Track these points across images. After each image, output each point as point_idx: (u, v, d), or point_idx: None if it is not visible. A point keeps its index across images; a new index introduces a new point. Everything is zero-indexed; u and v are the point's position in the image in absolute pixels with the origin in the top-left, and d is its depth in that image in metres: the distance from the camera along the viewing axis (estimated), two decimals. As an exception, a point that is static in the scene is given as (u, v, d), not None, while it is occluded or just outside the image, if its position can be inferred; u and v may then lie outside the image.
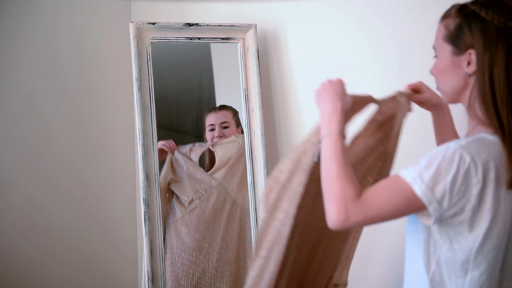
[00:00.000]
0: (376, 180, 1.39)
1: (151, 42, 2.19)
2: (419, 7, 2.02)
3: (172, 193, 2.19)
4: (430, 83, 1.39)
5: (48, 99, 2.18)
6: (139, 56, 2.16)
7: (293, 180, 1.32)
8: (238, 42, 2.26)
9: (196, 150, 2.23)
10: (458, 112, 1.40)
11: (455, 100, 1.27)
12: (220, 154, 2.21)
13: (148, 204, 2.08)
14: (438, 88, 1.29)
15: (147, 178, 2.10)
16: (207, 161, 2.27)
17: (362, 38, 2.17)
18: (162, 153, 2.17)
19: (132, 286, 2.37)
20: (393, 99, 1.42)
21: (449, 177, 1.11)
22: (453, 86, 1.24)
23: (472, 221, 1.13)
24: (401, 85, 2.08)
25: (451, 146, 1.14)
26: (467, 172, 1.11)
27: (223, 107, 2.28)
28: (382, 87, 2.14)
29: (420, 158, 1.18)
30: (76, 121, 2.26)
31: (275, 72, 2.32)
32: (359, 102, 1.36)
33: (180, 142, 2.40)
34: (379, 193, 1.16)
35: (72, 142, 2.24)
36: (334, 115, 1.29)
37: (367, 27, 2.16)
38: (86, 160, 2.28)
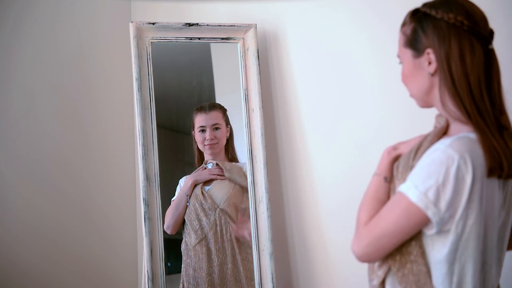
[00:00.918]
0: None
1: (151, 42, 2.19)
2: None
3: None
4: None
5: (47, 99, 2.18)
6: (139, 56, 2.16)
7: None
8: (238, 42, 2.26)
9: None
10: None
11: (427, 103, 1.30)
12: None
13: (148, 204, 2.08)
14: (411, 95, 1.33)
15: (147, 178, 2.10)
16: (197, 158, 2.28)
17: (362, 38, 2.17)
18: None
19: (132, 286, 2.36)
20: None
21: (440, 178, 1.13)
22: (420, 88, 1.27)
23: (458, 221, 1.15)
24: (400, 85, 2.08)
25: (438, 147, 1.17)
26: (458, 170, 1.13)
27: (213, 107, 2.27)
28: (382, 87, 2.14)
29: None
30: (76, 121, 2.26)
31: (275, 72, 2.32)
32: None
33: (180, 142, 2.40)
34: (381, 212, 1.21)
35: (71, 142, 2.24)
36: (382, 159, 1.36)
37: (367, 27, 2.16)
38: (86, 160, 2.28)
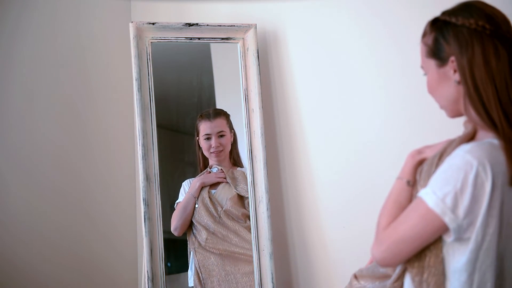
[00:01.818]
0: None
1: (151, 42, 2.19)
2: (419, 8, 2.02)
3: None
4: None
5: (47, 99, 2.18)
6: (139, 56, 2.16)
7: None
8: (238, 42, 2.26)
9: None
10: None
11: (458, 112, 1.27)
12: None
13: (148, 204, 2.08)
14: (440, 107, 1.30)
15: (147, 178, 2.10)
16: (201, 163, 2.29)
17: (361, 38, 2.17)
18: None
19: (132, 286, 2.36)
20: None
21: (458, 184, 1.12)
22: (449, 98, 1.25)
23: (478, 229, 1.13)
24: (400, 85, 2.08)
25: (457, 153, 1.16)
26: (477, 176, 1.12)
27: (217, 114, 2.27)
28: (381, 87, 2.14)
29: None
30: (76, 121, 2.26)
31: (275, 72, 2.32)
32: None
33: (180, 142, 2.40)
34: (400, 217, 1.20)
35: (71, 143, 2.24)
36: (406, 163, 1.34)
37: (366, 27, 2.16)
38: (86, 160, 2.28)
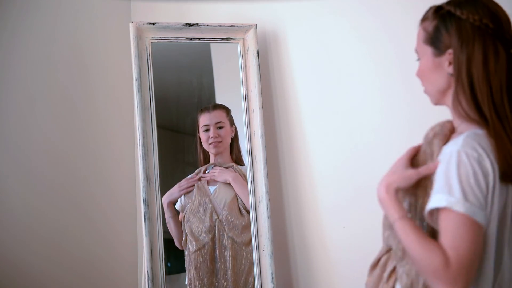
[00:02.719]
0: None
1: (151, 42, 2.19)
2: (419, 10, 2.01)
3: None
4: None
5: (47, 99, 2.18)
6: (139, 56, 2.16)
7: None
8: (238, 42, 2.26)
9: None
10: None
11: (440, 101, 1.28)
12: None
13: (148, 204, 2.09)
14: (425, 91, 1.30)
15: (147, 178, 2.10)
16: (202, 160, 2.28)
17: (361, 38, 2.17)
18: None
19: (132, 286, 2.36)
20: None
21: (471, 180, 1.11)
22: (438, 87, 1.25)
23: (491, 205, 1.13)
24: (399, 84, 2.08)
25: (452, 152, 1.15)
26: (481, 166, 1.12)
27: (216, 107, 2.28)
28: (381, 86, 2.14)
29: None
30: (76, 121, 2.26)
31: (275, 72, 2.32)
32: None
33: (180, 142, 2.40)
34: (452, 244, 1.11)
35: (71, 143, 2.24)
36: (388, 204, 1.25)
37: (366, 27, 2.16)
38: (86, 160, 2.28)
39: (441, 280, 1.09)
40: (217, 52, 2.33)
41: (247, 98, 2.23)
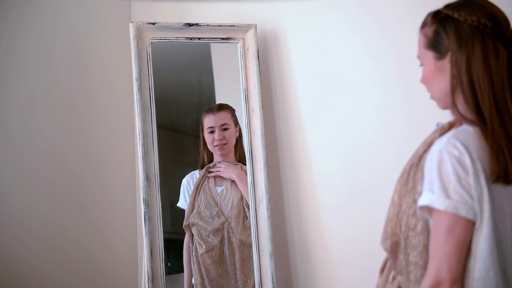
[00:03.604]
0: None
1: (151, 42, 2.19)
2: (419, 10, 2.01)
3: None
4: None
5: (47, 99, 2.18)
6: (139, 56, 2.16)
7: None
8: (238, 42, 2.26)
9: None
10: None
11: (448, 105, 1.28)
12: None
13: (148, 204, 2.08)
14: (431, 97, 1.31)
15: (147, 178, 2.10)
16: (206, 160, 2.28)
17: (361, 38, 2.17)
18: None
19: (132, 286, 2.36)
20: None
21: (453, 177, 1.13)
22: (443, 90, 1.26)
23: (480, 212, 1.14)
24: (399, 84, 2.08)
25: (435, 150, 1.17)
26: (461, 163, 1.14)
27: (221, 108, 2.28)
28: (381, 86, 2.14)
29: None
30: (76, 121, 2.26)
31: (275, 72, 2.32)
32: None
33: (180, 142, 2.40)
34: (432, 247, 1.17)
35: (71, 142, 2.24)
36: None
37: (366, 27, 2.16)
38: (86, 160, 2.28)
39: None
40: (217, 52, 2.33)
41: (247, 98, 2.23)
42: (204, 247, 2.16)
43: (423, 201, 1.16)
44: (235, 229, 2.18)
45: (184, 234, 2.22)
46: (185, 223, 2.20)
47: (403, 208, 1.25)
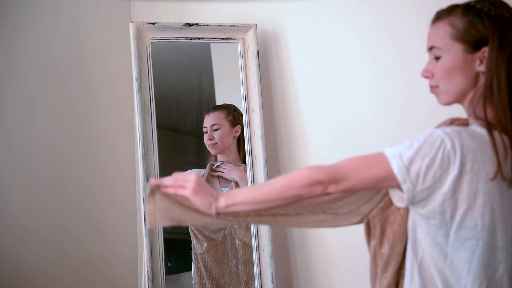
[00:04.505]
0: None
1: (151, 42, 2.19)
2: (419, 10, 2.02)
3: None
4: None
5: (47, 99, 2.18)
6: (139, 56, 2.16)
7: None
8: (238, 42, 2.26)
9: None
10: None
11: (456, 101, 1.24)
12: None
13: (148, 204, 2.08)
14: (438, 90, 1.25)
15: (147, 178, 2.10)
16: (213, 159, 2.28)
17: (361, 38, 2.17)
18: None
19: (132, 286, 2.37)
20: None
21: (427, 160, 1.13)
22: (461, 86, 1.21)
23: (443, 209, 1.14)
24: (399, 84, 2.08)
25: (436, 131, 1.16)
26: (446, 158, 1.12)
27: (215, 108, 2.28)
28: (381, 86, 2.14)
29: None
30: (76, 121, 2.27)
31: (275, 72, 2.32)
32: None
33: (180, 142, 2.40)
34: (358, 159, 1.24)
35: (72, 143, 2.24)
36: None
37: (366, 27, 2.16)
38: (86, 160, 2.28)
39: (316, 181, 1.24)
40: (217, 52, 2.33)
41: (247, 98, 2.23)
42: (205, 245, 2.16)
43: (388, 150, 1.17)
44: (238, 230, 2.18)
45: (184, 233, 2.22)
46: None
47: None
